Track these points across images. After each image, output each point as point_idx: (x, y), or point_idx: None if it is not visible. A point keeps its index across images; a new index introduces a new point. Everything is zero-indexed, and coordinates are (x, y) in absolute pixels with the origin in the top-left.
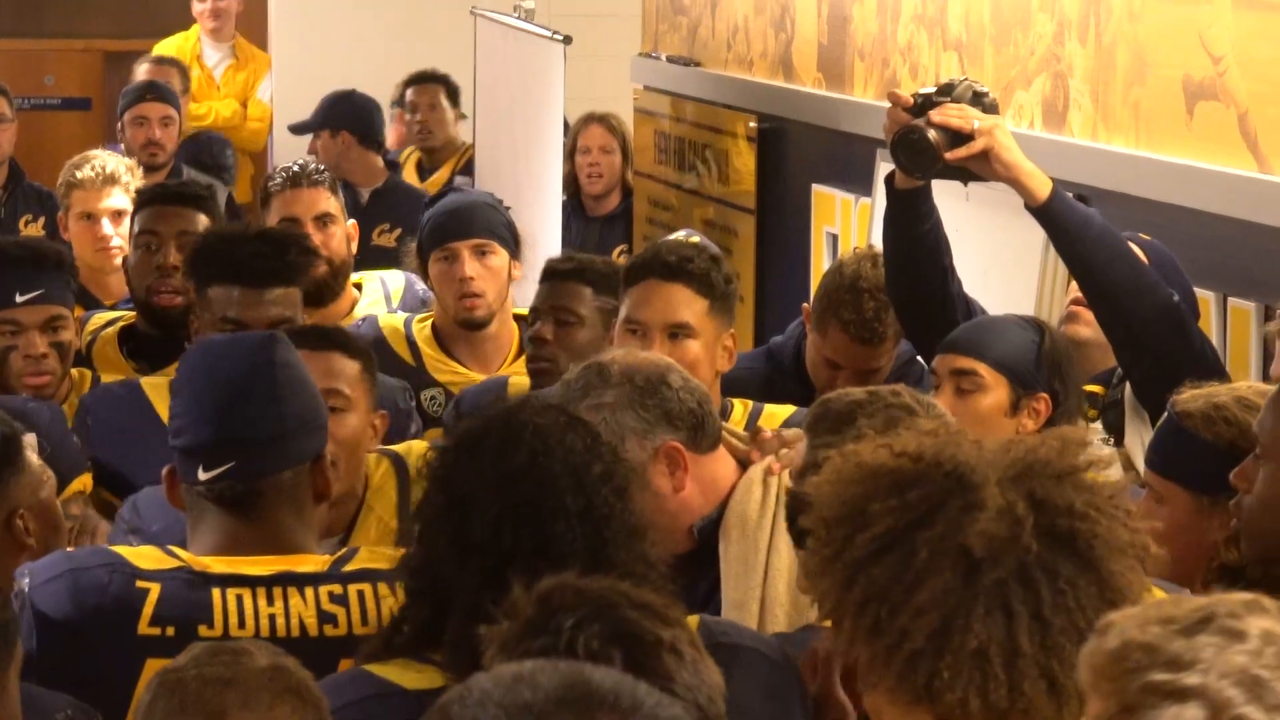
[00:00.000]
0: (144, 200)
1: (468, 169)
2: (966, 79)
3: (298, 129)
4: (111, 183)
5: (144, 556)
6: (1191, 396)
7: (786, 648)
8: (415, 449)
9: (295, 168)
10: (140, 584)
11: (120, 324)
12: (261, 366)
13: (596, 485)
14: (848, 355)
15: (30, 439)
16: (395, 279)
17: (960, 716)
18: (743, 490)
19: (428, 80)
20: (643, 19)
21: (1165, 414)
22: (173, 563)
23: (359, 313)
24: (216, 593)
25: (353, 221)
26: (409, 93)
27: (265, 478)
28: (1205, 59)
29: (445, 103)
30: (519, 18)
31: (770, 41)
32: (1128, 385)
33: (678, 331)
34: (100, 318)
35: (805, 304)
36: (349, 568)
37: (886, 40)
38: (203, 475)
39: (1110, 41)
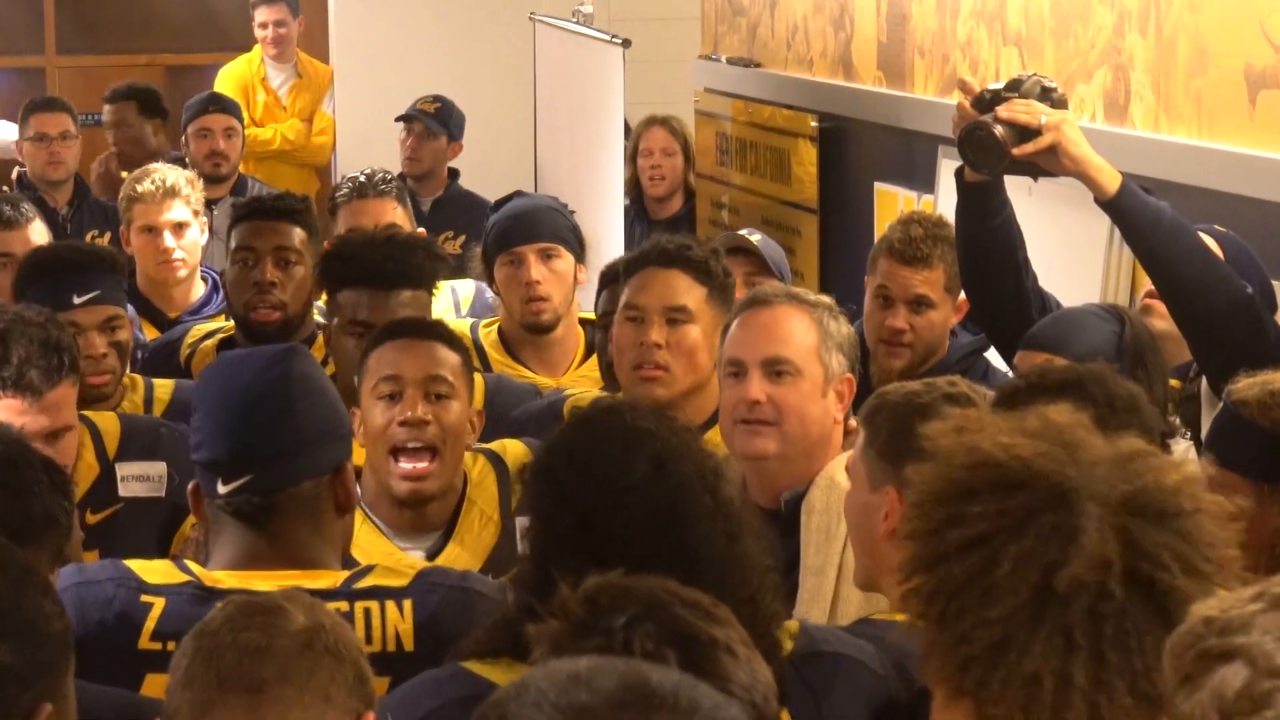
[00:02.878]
0: (240, 215)
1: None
2: (1035, 74)
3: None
4: (172, 195)
5: (154, 571)
6: (1247, 385)
7: (883, 656)
8: (510, 448)
9: (362, 178)
10: (145, 598)
11: (220, 336)
12: (278, 379)
13: (716, 481)
14: (893, 278)
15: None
16: (465, 287)
17: None
18: (834, 465)
19: (120, 98)
20: (702, 21)
21: (1221, 403)
22: (182, 577)
23: None
24: None
25: (421, 230)
26: (105, 110)
27: (283, 490)
28: (1266, 48)
29: (139, 118)
30: (578, 22)
31: (830, 40)
32: (1204, 379)
33: (676, 316)
34: (200, 329)
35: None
36: (360, 585)
37: (946, 36)
38: (221, 489)
39: (1171, 32)
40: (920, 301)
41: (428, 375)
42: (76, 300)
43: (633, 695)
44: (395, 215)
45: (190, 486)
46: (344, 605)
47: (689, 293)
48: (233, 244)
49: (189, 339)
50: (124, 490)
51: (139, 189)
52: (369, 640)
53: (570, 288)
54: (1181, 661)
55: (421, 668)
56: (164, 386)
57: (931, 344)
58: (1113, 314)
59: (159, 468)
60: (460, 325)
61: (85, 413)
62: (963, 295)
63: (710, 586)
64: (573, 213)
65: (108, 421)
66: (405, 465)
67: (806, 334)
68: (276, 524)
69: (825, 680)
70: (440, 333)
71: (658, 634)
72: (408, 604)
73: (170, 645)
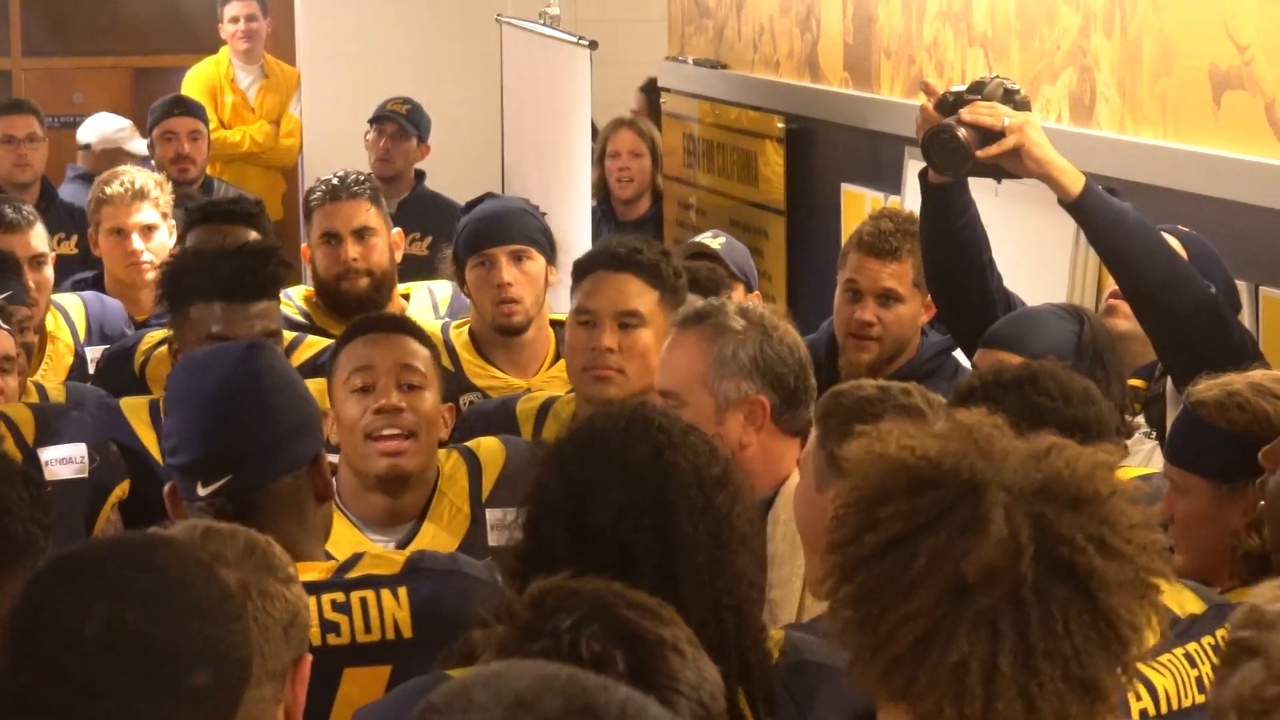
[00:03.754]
0: (195, 219)
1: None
2: (997, 76)
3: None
4: (141, 198)
5: None
6: (1206, 386)
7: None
8: (484, 443)
9: (335, 180)
10: None
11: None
12: (247, 376)
13: (715, 486)
14: (862, 271)
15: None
16: (443, 289)
17: None
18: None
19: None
20: (669, 22)
21: (1180, 406)
22: None
23: None
24: None
25: (398, 230)
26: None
27: (264, 487)
28: (1231, 48)
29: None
30: (544, 24)
31: (796, 42)
32: (1169, 379)
33: (628, 321)
34: (152, 337)
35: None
36: (352, 574)
37: (912, 38)
38: (202, 491)
39: (1136, 33)
40: (888, 295)
41: (400, 365)
42: None
43: (577, 718)
44: (368, 217)
45: (167, 490)
46: (340, 596)
47: (641, 297)
48: (188, 247)
49: (143, 346)
50: (49, 474)
51: (108, 191)
52: (368, 630)
53: (541, 289)
54: (1225, 647)
55: (421, 653)
56: (58, 393)
57: (900, 338)
58: (1072, 314)
59: (80, 449)
60: (432, 326)
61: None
62: None
63: (691, 584)
64: (544, 215)
65: (19, 412)
66: (384, 444)
67: (693, 363)
68: (260, 521)
69: (809, 691)
70: (410, 328)
71: (604, 635)
72: (403, 591)
73: None
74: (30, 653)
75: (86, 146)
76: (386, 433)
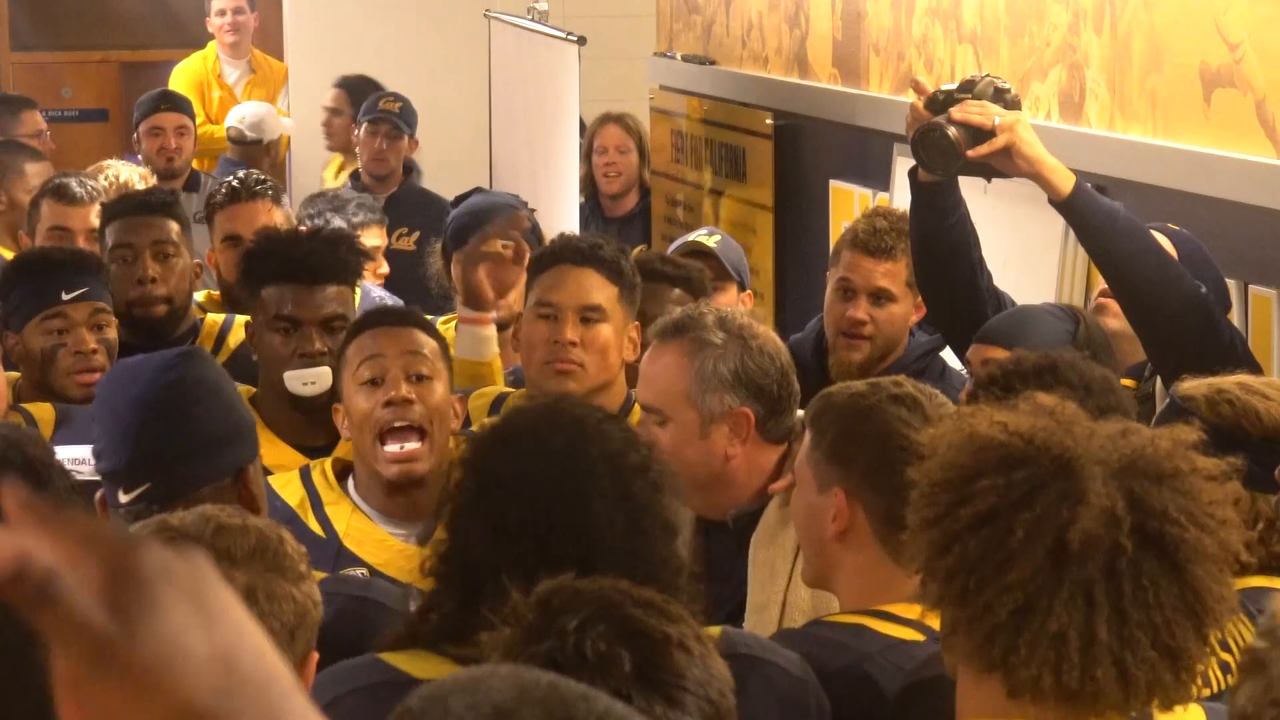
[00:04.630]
0: (112, 214)
1: None
2: (988, 75)
3: None
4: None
5: None
6: (1194, 384)
7: (808, 665)
8: None
9: (235, 182)
10: None
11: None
12: (172, 384)
13: (633, 475)
14: (856, 269)
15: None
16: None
17: (1032, 691)
18: (781, 496)
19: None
20: (657, 18)
21: (1166, 402)
22: None
23: None
24: None
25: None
26: None
27: (183, 496)
28: (1222, 46)
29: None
30: (533, 20)
31: (785, 38)
32: (1159, 379)
33: (590, 315)
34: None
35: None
36: None
37: (901, 34)
38: (123, 498)
39: (1126, 30)
40: (881, 294)
41: (408, 355)
42: (65, 296)
43: None
44: (273, 217)
45: (98, 497)
46: None
47: (602, 291)
48: (110, 242)
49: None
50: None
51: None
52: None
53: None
54: (1241, 654)
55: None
56: None
57: (892, 338)
58: (1067, 313)
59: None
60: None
61: (23, 405)
62: None
63: (610, 574)
64: (533, 211)
65: (42, 410)
66: (393, 448)
67: (675, 378)
68: None
69: (739, 682)
70: (417, 320)
71: (610, 634)
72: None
73: None
74: None
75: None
76: (397, 425)
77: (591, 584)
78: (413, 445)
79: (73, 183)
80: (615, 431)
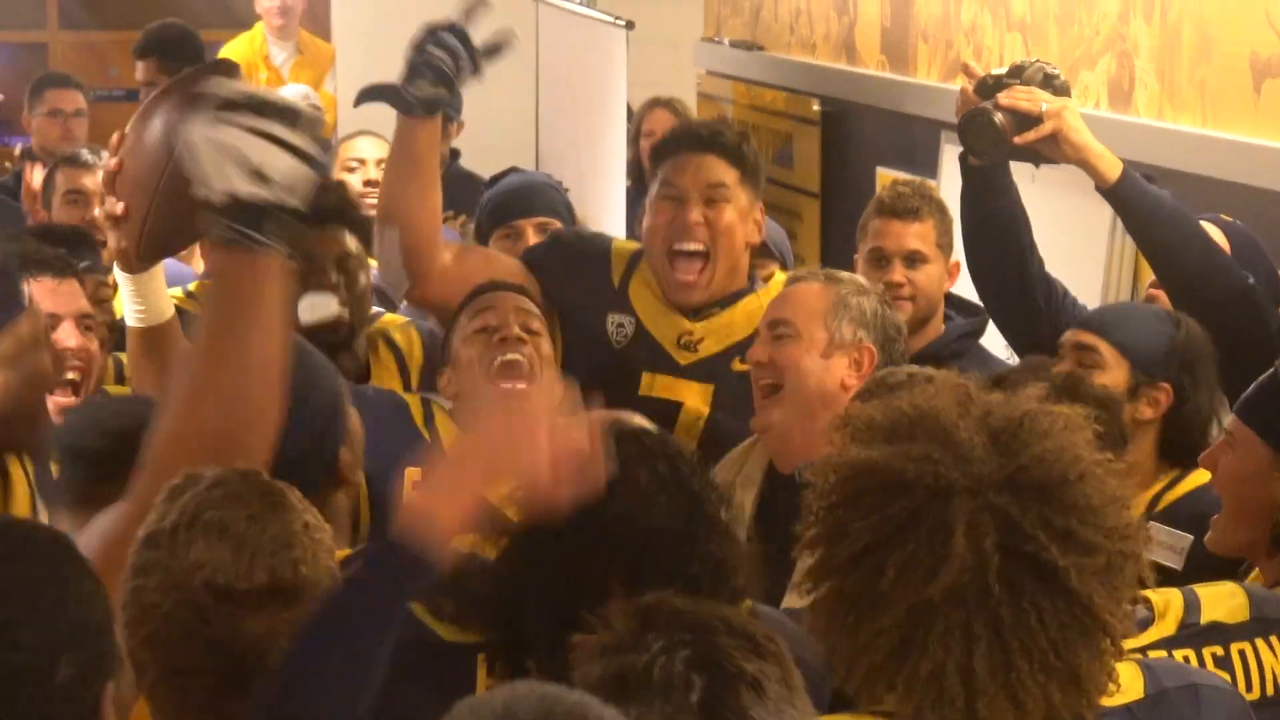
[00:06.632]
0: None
1: None
2: (1037, 61)
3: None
4: None
5: None
6: None
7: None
8: None
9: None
10: None
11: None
12: None
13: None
14: (886, 234)
15: None
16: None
17: None
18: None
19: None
20: (705, 3)
21: (1272, 369)
22: None
23: None
24: None
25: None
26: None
27: None
28: (1271, 36)
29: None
30: (581, 3)
31: (833, 24)
32: None
33: (714, 195)
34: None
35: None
36: None
37: (950, 21)
38: None
39: (1175, 20)
40: (915, 256)
41: (518, 308)
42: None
43: None
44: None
45: None
46: None
47: (725, 173)
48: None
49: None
50: None
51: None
52: None
53: None
54: None
55: None
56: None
57: (931, 299)
58: (1173, 318)
59: None
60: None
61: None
62: (955, 259)
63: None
64: (566, 190)
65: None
66: (505, 386)
67: (816, 300)
68: None
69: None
70: (524, 290)
71: (690, 660)
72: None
73: None
74: None
75: None
76: (509, 357)
77: (693, 605)
78: (522, 384)
79: (83, 151)
80: (668, 447)
